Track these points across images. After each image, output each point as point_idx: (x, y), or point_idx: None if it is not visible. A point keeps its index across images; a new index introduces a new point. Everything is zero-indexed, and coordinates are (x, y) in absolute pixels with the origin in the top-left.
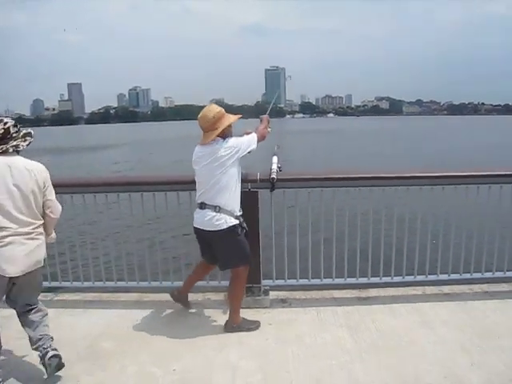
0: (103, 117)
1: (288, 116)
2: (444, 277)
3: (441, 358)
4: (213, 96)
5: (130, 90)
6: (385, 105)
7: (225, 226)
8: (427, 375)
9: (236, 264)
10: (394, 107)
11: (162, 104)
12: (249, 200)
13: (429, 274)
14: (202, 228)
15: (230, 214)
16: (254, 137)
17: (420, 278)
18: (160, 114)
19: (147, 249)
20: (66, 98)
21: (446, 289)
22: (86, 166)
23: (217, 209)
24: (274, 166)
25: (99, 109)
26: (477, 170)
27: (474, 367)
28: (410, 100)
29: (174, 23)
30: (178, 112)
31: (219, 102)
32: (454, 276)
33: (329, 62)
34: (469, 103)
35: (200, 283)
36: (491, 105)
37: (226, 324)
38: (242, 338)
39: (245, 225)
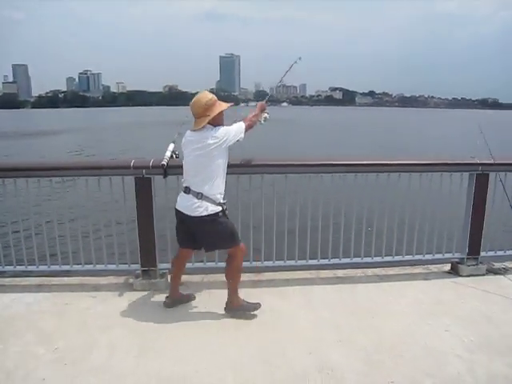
0: (51, 101)
1: (242, 104)
2: (335, 261)
3: (312, 335)
4: (166, 82)
5: (81, 73)
6: (338, 95)
7: (205, 213)
8: (292, 351)
9: (225, 246)
10: (348, 98)
11: (113, 89)
12: (142, 186)
13: (321, 259)
14: (182, 211)
15: (212, 201)
16: (241, 126)
17: (312, 262)
18: (111, 100)
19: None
20: (11, 79)
21: (340, 273)
22: (35, 153)
23: (199, 195)
24: (168, 153)
25: (47, 92)
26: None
27: (339, 344)
28: (362, 91)
29: (127, 8)
30: (131, 97)
31: (173, 89)
32: (344, 260)
33: (284, 51)
34: (419, 96)
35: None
36: (440, 98)
37: (226, 306)
38: (126, 319)
39: (227, 211)
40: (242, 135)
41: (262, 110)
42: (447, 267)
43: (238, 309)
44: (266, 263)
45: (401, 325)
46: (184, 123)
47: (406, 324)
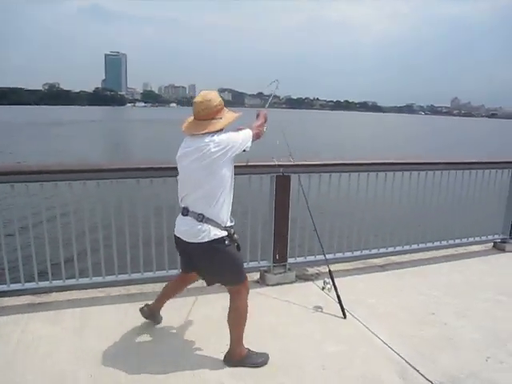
0: None
1: (129, 104)
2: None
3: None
4: (46, 80)
5: None
6: (227, 96)
7: (206, 239)
8: None
9: (227, 281)
10: (237, 99)
11: None
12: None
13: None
14: (181, 238)
15: (216, 224)
16: (249, 133)
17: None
18: None
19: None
20: None
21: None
22: None
23: (200, 217)
24: None
25: None
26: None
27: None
28: (251, 93)
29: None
30: (4, 95)
31: (53, 87)
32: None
33: (173, 51)
34: (305, 98)
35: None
36: (325, 100)
37: (226, 357)
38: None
39: (236, 236)
40: (250, 144)
41: (266, 120)
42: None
43: (241, 361)
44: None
45: None
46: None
47: None
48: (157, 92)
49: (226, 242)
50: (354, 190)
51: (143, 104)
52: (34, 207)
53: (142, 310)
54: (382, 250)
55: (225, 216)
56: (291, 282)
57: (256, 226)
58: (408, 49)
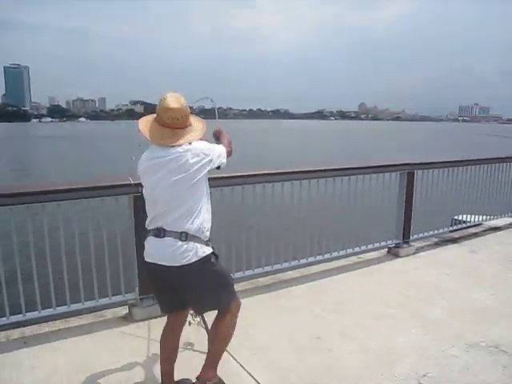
0: None
1: (34, 120)
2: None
3: None
4: None
5: None
6: (139, 109)
7: (195, 259)
8: None
9: (221, 302)
10: (149, 111)
11: None
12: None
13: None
14: (161, 264)
15: (201, 241)
16: (223, 148)
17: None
18: None
19: None
20: None
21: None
22: None
23: (183, 236)
24: None
25: None
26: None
27: None
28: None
29: None
30: None
31: None
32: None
33: (78, 63)
34: (219, 108)
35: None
36: (238, 109)
37: (200, 378)
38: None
39: (216, 251)
40: (225, 160)
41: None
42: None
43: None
44: None
45: None
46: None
47: None
48: (65, 106)
49: (213, 260)
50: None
51: (50, 119)
52: None
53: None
54: (267, 269)
55: (207, 231)
56: (162, 316)
57: (116, 253)
58: (316, 57)
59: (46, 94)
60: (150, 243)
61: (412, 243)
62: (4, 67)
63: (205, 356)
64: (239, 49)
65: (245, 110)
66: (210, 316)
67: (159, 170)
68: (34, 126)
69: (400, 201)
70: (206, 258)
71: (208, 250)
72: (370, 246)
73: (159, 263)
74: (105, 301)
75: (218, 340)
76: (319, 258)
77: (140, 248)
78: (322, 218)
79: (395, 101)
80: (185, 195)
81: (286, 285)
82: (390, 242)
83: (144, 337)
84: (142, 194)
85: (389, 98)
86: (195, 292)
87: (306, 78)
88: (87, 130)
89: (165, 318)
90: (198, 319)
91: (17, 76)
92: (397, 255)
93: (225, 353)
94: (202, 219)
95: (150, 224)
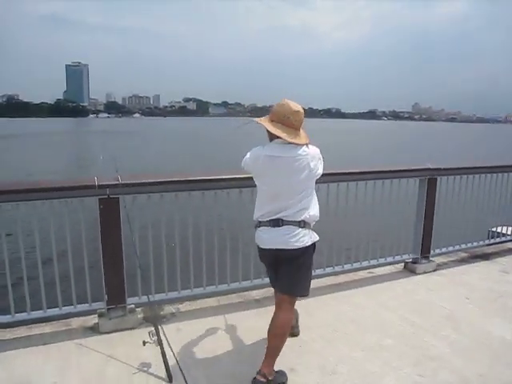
0: None
1: (92, 115)
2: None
3: None
4: (4, 91)
5: None
6: (192, 106)
7: (310, 243)
8: None
9: (303, 290)
10: (201, 108)
11: None
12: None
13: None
14: (278, 248)
15: (312, 228)
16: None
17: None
18: None
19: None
20: None
21: None
22: None
23: (301, 224)
24: None
25: None
26: None
27: None
28: (216, 102)
29: None
30: None
31: (12, 98)
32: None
33: (135, 61)
34: (270, 106)
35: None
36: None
37: (261, 378)
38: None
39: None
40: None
41: None
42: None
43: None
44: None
45: None
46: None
47: None
48: (120, 103)
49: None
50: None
51: (106, 115)
52: None
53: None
54: (257, 282)
55: (315, 221)
56: (132, 328)
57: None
58: (369, 56)
59: (104, 91)
60: (266, 232)
61: (433, 258)
62: (66, 65)
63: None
64: (292, 48)
65: None
66: (168, 336)
67: (284, 169)
68: (90, 121)
69: (419, 210)
70: (313, 246)
71: (316, 238)
72: (382, 260)
73: (275, 248)
74: (68, 309)
75: (283, 333)
76: (319, 271)
77: (107, 254)
78: (327, 224)
79: (451, 102)
80: (305, 192)
81: (255, 305)
82: (406, 256)
83: (101, 352)
84: (107, 197)
85: (445, 99)
86: (292, 271)
87: (359, 77)
88: (141, 125)
89: (132, 331)
90: (154, 338)
91: (77, 74)
92: (413, 272)
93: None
94: (314, 211)
95: (264, 216)
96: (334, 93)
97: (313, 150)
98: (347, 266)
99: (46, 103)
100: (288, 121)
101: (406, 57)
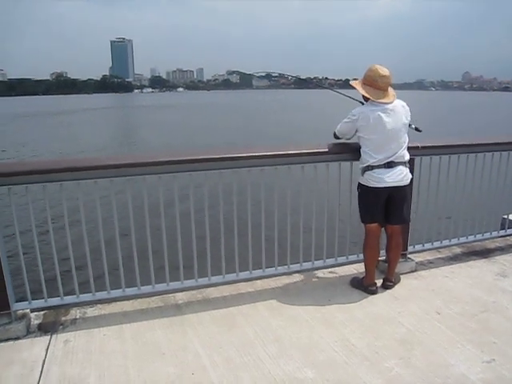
0: None
1: (136, 91)
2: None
3: None
4: (54, 69)
5: None
6: (235, 79)
7: (409, 180)
8: None
9: (408, 218)
10: (245, 81)
11: None
12: None
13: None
14: (392, 186)
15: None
16: None
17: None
18: None
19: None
20: None
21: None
22: None
23: (406, 164)
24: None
25: None
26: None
27: None
28: (260, 74)
29: None
30: (12, 87)
31: (61, 76)
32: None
33: (178, 34)
34: (314, 78)
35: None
36: (334, 79)
37: (394, 280)
38: None
39: None
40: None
41: None
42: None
43: (395, 278)
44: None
45: None
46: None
47: None
48: (165, 77)
49: None
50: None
51: (150, 90)
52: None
53: (373, 290)
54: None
55: None
56: (16, 338)
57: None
58: (416, 24)
59: (148, 66)
60: (382, 173)
61: (414, 256)
62: (111, 41)
63: None
64: (335, 18)
65: (340, 80)
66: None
67: (388, 120)
68: (135, 96)
69: None
70: (412, 179)
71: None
72: (343, 259)
73: (389, 186)
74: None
75: (399, 252)
76: (257, 273)
77: None
78: (271, 217)
79: (505, 70)
80: (405, 136)
81: (177, 312)
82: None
83: None
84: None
85: (497, 67)
86: (403, 205)
87: (406, 46)
88: (184, 99)
89: (15, 342)
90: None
91: (122, 49)
92: (383, 273)
93: None
94: (407, 153)
95: (378, 160)
96: (379, 62)
97: (400, 102)
98: (295, 266)
99: (93, 79)
100: (376, 83)
101: (456, 21)
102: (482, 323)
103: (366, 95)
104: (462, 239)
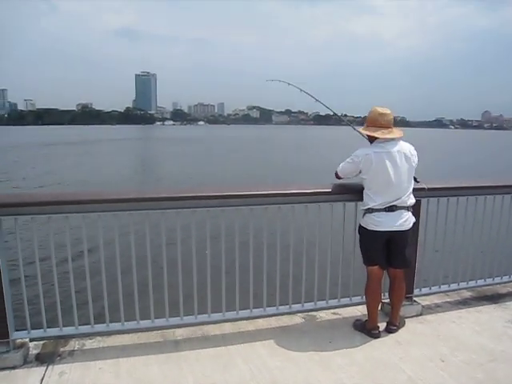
0: None
1: (158, 123)
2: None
3: None
4: (80, 100)
5: None
6: (255, 114)
7: (412, 223)
8: None
9: (409, 262)
10: (264, 116)
11: (21, 107)
12: None
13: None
14: (393, 230)
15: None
16: None
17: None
18: (19, 118)
19: None
20: None
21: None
22: None
23: (409, 208)
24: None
25: None
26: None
27: None
28: (279, 110)
29: (37, 20)
30: (40, 116)
31: (86, 107)
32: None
33: (201, 70)
34: (333, 114)
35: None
36: (353, 116)
37: (397, 325)
38: None
39: None
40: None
41: None
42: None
43: (400, 322)
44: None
45: None
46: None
47: None
48: (186, 111)
49: None
50: None
51: (172, 122)
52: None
53: (376, 334)
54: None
55: None
56: (12, 368)
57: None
58: (436, 64)
59: (171, 100)
60: (382, 217)
61: (420, 299)
62: (135, 75)
63: None
64: (355, 56)
65: (359, 117)
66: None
67: (393, 162)
68: (157, 128)
69: None
70: (414, 224)
71: (414, 219)
72: (346, 301)
73: (390, 230)
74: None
75: (401, 296)
76: (258, 312)
77: None
78: (273, 256)
79: None
80: (410, 180)
81: (174, 348)
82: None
83: None
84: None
85: None
86: (404, 250)
87: (425, 85)
88: (205, 132)
89: (11, 372)
90: None
91: (145, 83)
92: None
93: None
94: (413, 197)
95: (380, 204)
96: (399, 101)
97: (407, 145)
98: (296, 306)
99: (116, 111)
100: (378, 122)
101: (474, 62)
102: (489, 373)
103: (369, 134)
104: (471, 283)
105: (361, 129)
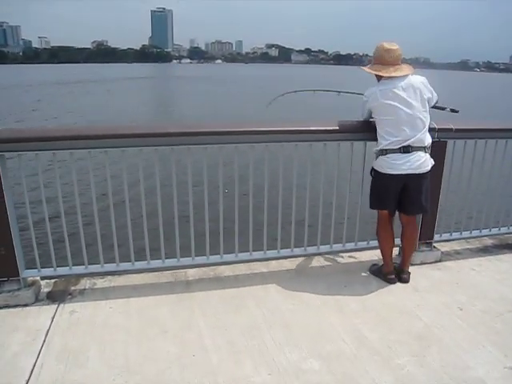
0: None
1: (175, 61)
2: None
3: None
4: (94, 38)
5: None
6: (274, 52)
7: (430, 166)
8: None
9: (426, 208)
10: (283, 55)
11: (35, 45)
12: None
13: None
14: (409, 173)
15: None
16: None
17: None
18: (33, 56)
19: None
20: None
21: None
22: None
23: (426, 149)
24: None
25: None
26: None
27: None
28: (299, 48)
29: None
30: (55, 54)
31: (102, 45)
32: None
33: (221, 5)
34: (354, 54)
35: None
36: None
37: (407, 275)
38: None
39: None
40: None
41: None
42: None
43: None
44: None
45: None
46: None
47: None
48: (203, 48)
49: None
50: None
51: (189, 60)
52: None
53: (392, 279)
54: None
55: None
56: (24, 305)
57: None
58: (463, 3)
59: (188, 37)
60: (397, 159)
61: (439, 245)
62: (151, 11)
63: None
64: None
65: None
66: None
67: (402, 97)
68: (174, 67)
69: None
70: (432, 166)
71: (432, 162)
72: (363, 244)
73: (408, 173)
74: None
75: (415, 242)
76: (272, 253)
77: None
78: (288, 197)
79: None
80: (424, 116)
81: (186, 288)
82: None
83: None
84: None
85: None
86: (422, 196)
87: (452, 26)
88: (222, 70)
89: (23, 309)
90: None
91: (161, 19)
92: None
93: None
94: (430, 137)
95: (393, 143)
96: (424, 43)
97: (417, 78)
98: (312, 249)
99: (132, 49)
100: (383, 59)
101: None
102: (508, 323)
103: (374, 72)
104: (494, 230)
105: (366, 67)
